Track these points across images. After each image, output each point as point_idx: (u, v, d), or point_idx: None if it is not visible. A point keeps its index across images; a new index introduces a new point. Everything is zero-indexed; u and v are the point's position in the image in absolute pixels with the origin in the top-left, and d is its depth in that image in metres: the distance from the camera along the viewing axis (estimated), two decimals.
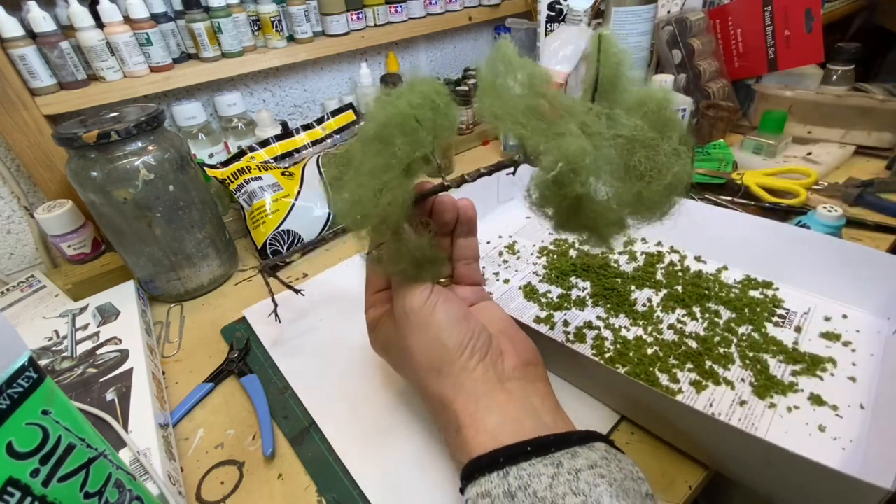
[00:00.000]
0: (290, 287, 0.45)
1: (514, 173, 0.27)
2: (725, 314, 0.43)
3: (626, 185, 0.23)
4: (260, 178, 0.60)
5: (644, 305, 0.45)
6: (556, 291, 0.48)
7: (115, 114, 0.48)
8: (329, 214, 0.61)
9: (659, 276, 0.49)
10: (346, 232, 0.29)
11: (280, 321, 0.47)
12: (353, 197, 0.26)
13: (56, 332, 0.46)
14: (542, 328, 0.44)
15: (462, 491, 0.25)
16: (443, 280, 0.34)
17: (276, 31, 0.69)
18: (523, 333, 0.32)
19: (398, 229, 0.28)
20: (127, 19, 0.58)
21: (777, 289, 0.46)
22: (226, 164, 0.64)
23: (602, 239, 0.26)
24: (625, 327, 0.43)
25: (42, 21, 0.53)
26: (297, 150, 0.69)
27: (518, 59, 0.25)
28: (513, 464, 0.23)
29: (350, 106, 0.74)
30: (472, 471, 0.24)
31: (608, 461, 0.24)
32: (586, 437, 0.25)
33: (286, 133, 0.69)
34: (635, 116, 0.24)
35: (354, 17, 0.77)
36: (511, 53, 0.25)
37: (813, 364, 0.37)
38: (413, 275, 0.29)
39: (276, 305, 0.45)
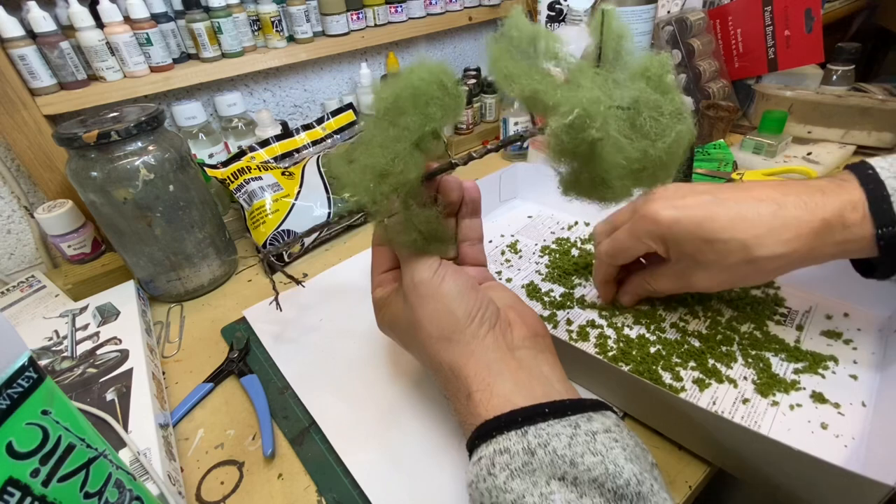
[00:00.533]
0: (291, 278, 0.45)
1: (521, 147, 0.28)
2: (727, 313, 0.43)
3: (633, 143, 0.24)
4: (260, 178, 0.60)
5: (646, 304, 0.45)
6: (558, 290, 0.48)
7: (115, 114, 0.48)
8: (329, 214, 0.60)
9: None
10: (351, 217, 0.30)
11: (281, 309, 0.46)
12: (364, 164, 0.27)
13: (56, 332, 0.45)
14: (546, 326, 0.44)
15: (471, 453, 0.26)
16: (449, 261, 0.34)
17: (276, 31, 0.69)
18: (530, 308, 0.33)
19: (407, 201, 0.28)
20: (127, 19, 0.58)
21: (778, 287, 0.45)
22: (226, 164, 0.64)
23: (615, 193, 0.26)
24: (627, 326, 0.43)
25: (42, 21, 0.53)
26: (297, 151, 0.69)
27: (530, 26, 0.26)
28: (531, 423, 0.24)
29: (350, 106, 0.74)
30: (490, 429, 0.25)
31: (620, 429, 0.25)
32: (597, 405, 0.26)
33: (286, 133, 0.69)
34: (639, 82, 0.25)
35: (354, 17, 0.77)
36: (523, 21, 0.26)
37: (815, 362, 0.37)
38: (422, 246, 0.29)
39: (277, 293, 0.45)
